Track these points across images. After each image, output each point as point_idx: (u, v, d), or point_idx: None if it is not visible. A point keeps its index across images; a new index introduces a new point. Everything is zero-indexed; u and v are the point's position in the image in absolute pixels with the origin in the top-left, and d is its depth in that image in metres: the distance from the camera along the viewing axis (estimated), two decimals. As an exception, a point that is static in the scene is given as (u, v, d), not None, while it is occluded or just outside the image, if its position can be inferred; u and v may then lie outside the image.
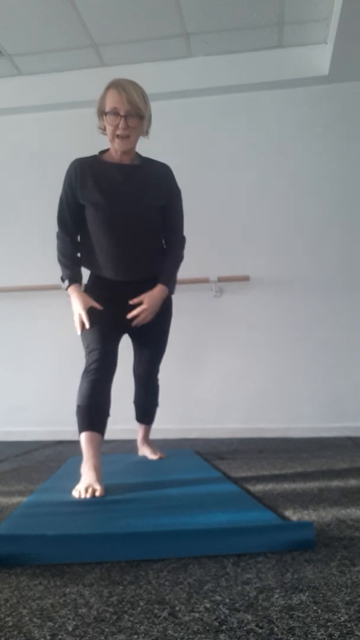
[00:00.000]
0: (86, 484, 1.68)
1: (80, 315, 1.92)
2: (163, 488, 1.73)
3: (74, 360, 2.70)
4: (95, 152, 3.79)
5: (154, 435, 3.22)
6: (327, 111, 3.34)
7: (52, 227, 3.49)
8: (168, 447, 2.83)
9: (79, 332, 1.95)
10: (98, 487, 1.65)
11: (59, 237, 2.06)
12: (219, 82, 3.35)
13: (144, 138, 2.01)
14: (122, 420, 3.35)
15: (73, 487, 1.69)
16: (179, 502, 1.51)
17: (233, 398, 3.24)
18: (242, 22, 3.05)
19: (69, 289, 1.97)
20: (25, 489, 1.83)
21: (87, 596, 0.91)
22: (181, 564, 1.04)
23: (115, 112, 1.81)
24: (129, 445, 2.98)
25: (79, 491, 1.65)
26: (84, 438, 1.78)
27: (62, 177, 3.75)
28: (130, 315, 1.96)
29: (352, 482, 1.76)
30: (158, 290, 2.01)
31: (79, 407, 1.82)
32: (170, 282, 2.08)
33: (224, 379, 3.27)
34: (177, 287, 3.18)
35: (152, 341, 2.13)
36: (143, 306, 1.96)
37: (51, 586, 0.96)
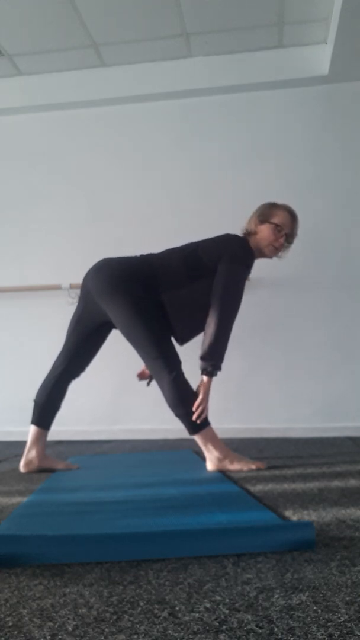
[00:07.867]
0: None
1: (203, 406, 2.09)
2: (163, 488, 1.73)
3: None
4: (94, 151, 3.79)
5: (153, 435, 3.23)
6: (327, 111, 3.34)
7: (52, 227, 3.51)
8: (168, 447, 2.83)
9: (201, 415, 2.09)
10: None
11: (235, 313, 2.22)
12: (219, 82, 3.35)
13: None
14: (122, 420, 3.36)
15: (73, 487, 1.69)
16: (179, 502, 1.51)
17: (233, 398, 3.24)
18: (242, 22, 3.05)
19: (211, 378, 2.12)
20: (25, 489, 1.83)
21: (87, 596, 0.91)
22: (181, 564, 1.04)
23: (283, 231, 2.24)
24: (129, 445, 2.98)
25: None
26: (211, 431, 2.09)
27: (62, 177, 3.75)
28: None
29: (352, 482, 1.76)
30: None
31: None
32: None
33: (224, 379, 3.25)
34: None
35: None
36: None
37: (51, 586, 0.96)
